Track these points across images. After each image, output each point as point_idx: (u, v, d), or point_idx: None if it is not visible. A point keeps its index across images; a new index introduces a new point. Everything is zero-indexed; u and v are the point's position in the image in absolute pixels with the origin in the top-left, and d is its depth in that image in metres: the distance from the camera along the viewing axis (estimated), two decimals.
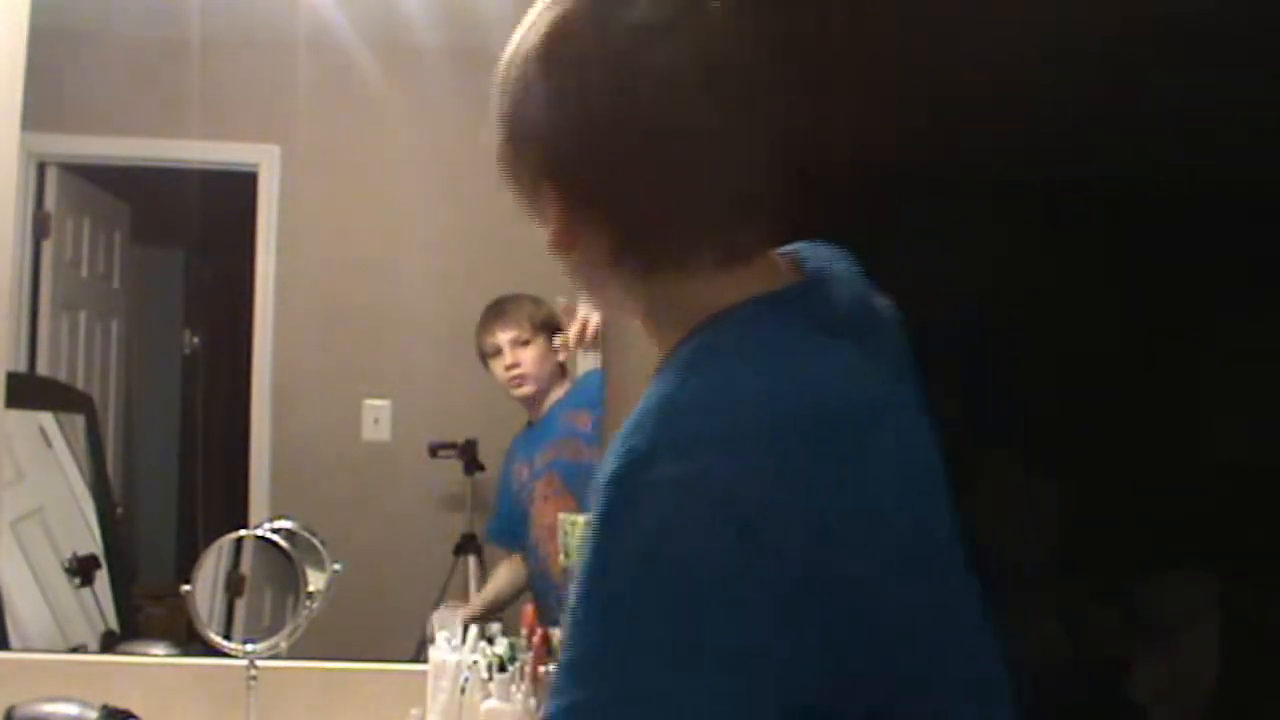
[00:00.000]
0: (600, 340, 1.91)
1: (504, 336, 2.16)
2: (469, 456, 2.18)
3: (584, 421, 2.15)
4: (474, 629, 1.95)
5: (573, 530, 2.02)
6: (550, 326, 2.15)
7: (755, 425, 0.81)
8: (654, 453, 0.79)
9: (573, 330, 1.90)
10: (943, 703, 0.89)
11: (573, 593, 0.80)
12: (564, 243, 0.95)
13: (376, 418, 2.19)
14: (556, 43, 0.91)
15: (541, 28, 0.93)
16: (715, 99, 0.90)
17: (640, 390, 0.94)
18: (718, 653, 0.76)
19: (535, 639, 1.86)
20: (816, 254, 1.00)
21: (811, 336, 0.90)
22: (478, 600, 2.15)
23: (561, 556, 2.02)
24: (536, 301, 2.17)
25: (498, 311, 2.18)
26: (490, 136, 0.99)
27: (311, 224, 2.23)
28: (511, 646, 1.89)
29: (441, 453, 2.17)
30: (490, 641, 1.92)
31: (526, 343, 2.16)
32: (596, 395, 2.12)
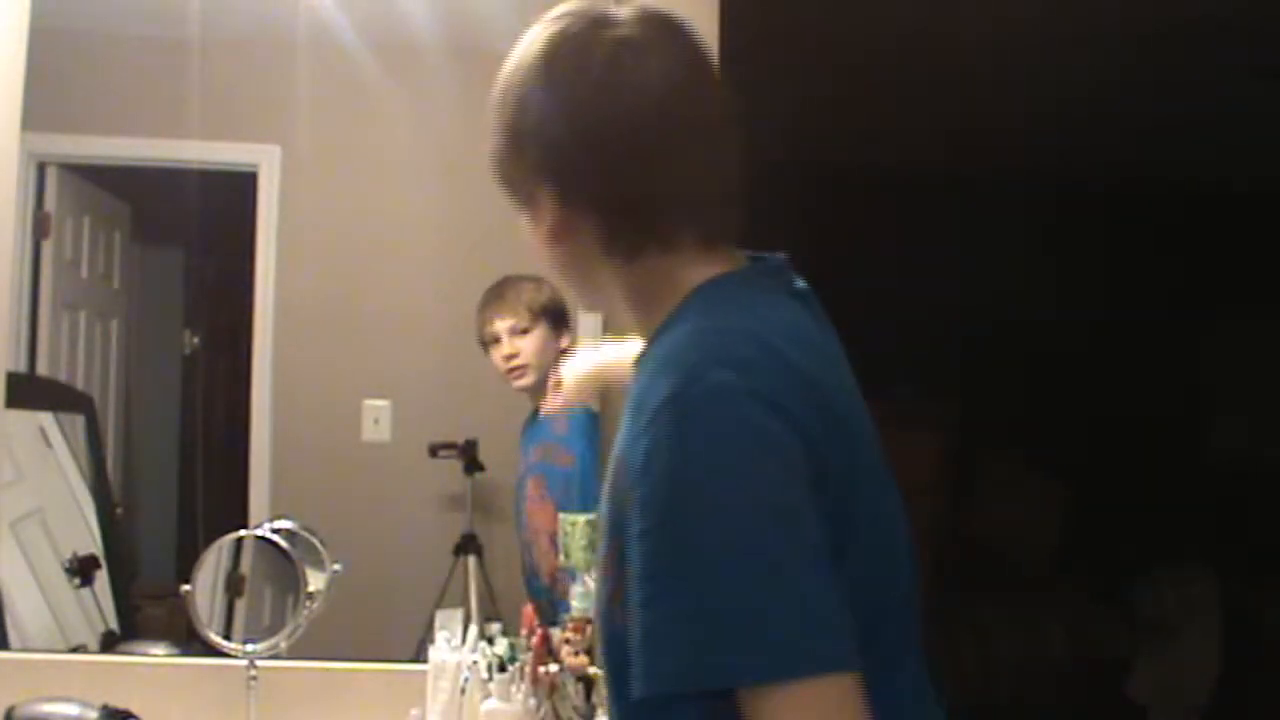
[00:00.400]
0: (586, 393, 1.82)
1: (502, 325, 2.11)
2: (469, 456, 2.17)
3: (562, 426, 2.12)
4: (474, 629, 1.95)
5: (572, 531, 2.02)
6: (552, 312, 2.10)
7: (771, 345, 0.96)
8: (703, 368, 0.93)
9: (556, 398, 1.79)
10: (897, 649, 1.01)
11: (650, 506, 0.91)
12: (558, 235, 1.08)
13: (376, 418, 2.19)
14: (555, 54, 1.05)
15: (541, 41, 1.06)
16: (695, 105, 1.05)
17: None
18: (784, 513, 0.90)
19: (535, 639, 1.86)
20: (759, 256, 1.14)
21: (784, 299, 1.07)
22: None
23: (561, 557, 2.02)
24: (538, 284, 2.11)
25: (495, 296, 2.13)
26: (488, 138, 1.10)
27: (311, 224, 2.23)
28: (511, 646, 1.90)
29: (441, 453, 2.17)
30: (490, 641, 1.92)
31: (525, 331, 2.11)
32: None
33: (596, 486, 2.09)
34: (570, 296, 2.10)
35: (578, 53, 1.04)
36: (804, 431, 0.93)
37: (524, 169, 1.08)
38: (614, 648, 0.98)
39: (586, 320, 2.13)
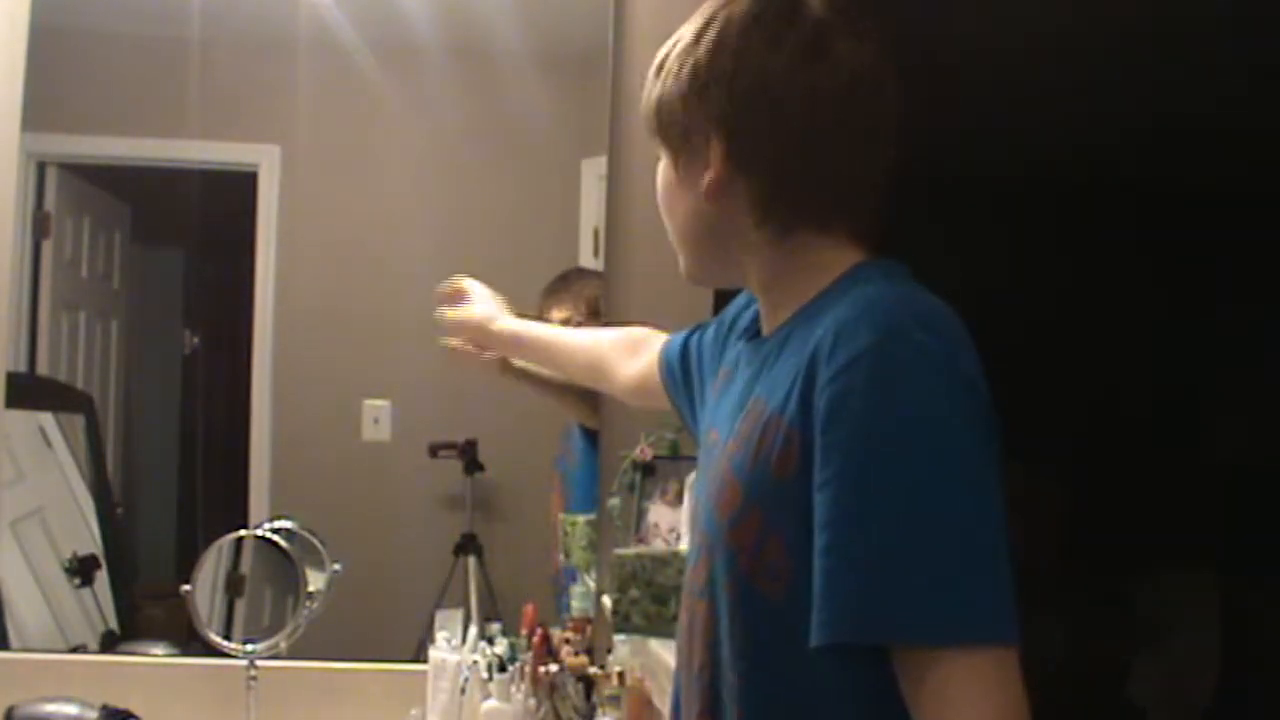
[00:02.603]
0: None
1: (557, 315, 2.12)
2: (469, 456, 2.17)
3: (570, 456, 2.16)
4: (474, 629, 1.95)
5: (572, 531, 2.02)
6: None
7: (960, 324, 0.98)
8: (907, 327, 0.94)
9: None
10: None
11: (849, 451, 0.91)
12: (715, 192, 1.07)
13: (376, 418, 2.19)
14: (762, 16, 1.06)
15: (740, 6, 1.07)
16: (875, 98, 1.06)
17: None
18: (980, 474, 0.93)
19: (535, 639, 1.86)
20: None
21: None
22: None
23: (561, 556, 2.02)
24: (601, 281, 2.14)
25: (560, 286, 2.15)
26: (661, 81, 1.10)
27: (311, 224, 2.23)
28: (511, 646, 1.90)
29: (441, 453, 2.17)
30: (490, 641, 1.92)
31: (579, 324, 2.12)
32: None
33: (593, 489, 2.11)
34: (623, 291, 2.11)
35: (780, 23, 1.05)
36: (988, 415, 0.96)
37: (701, 117, 1.07)
38: (752, 619, 0.99)
39: None
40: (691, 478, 1.68)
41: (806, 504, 0.94)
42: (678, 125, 1.09)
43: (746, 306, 1.24)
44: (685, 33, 1.10)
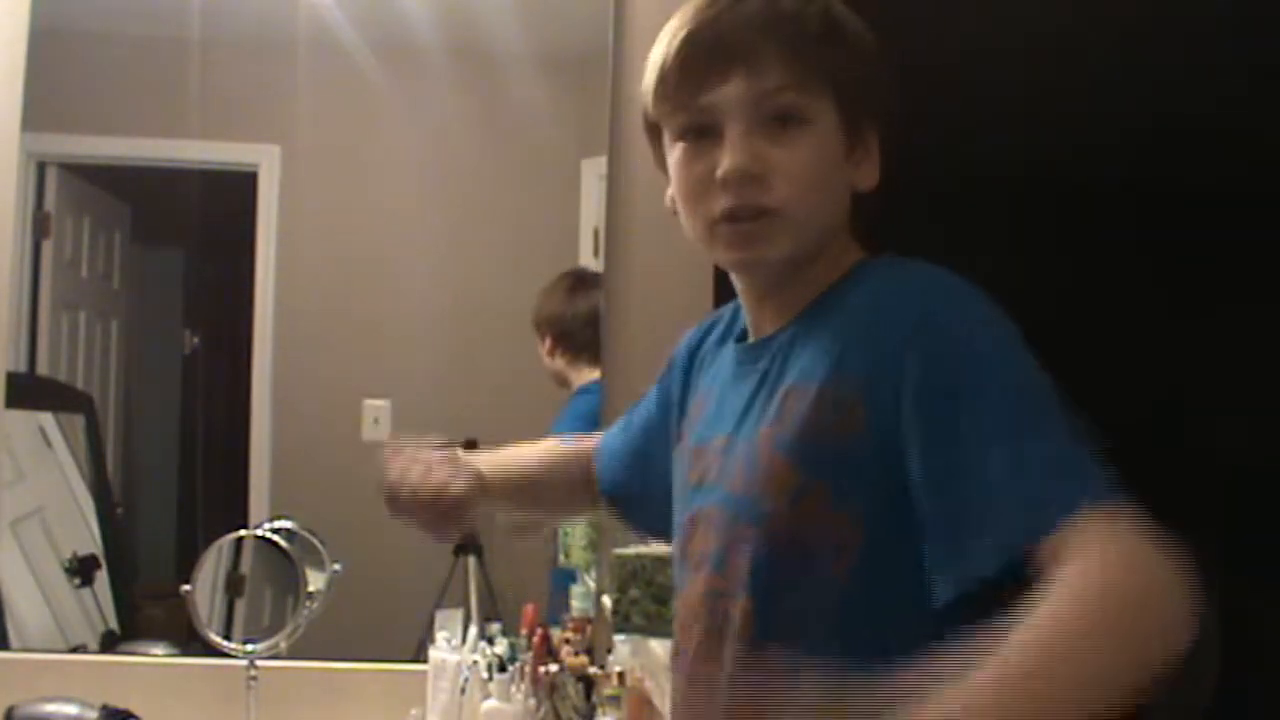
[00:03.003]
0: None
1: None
2: None
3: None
4: (474, 629, 1.95)
5: (572, 531, 2.02)
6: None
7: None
8: (942, 272, 0.97)
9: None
10: None
11: (954, 366, 0.93)
12: (873, 168, 1.06)
13: (376, 418, 2.19)
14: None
15: None
16: None
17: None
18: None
19: (535, 639, 1.86)
20: None
21: None
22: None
23: (562, 556, 2.02)
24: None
25: (574, 285, 2.15)
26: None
27: (311, 224, 2.23)
28: (511, 646, 1.90)
29: None
30: (490, 641, 1.92)
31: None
32: (581, 414, 2.12)
33: None
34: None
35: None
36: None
37: (876, 97, 1.05)
38: (817, 600, 0.96)
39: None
40: None
41: (877, 470, 0.93)
42: (864, 101, 1.05)
43: (707, 331, 1.21)
44: (839, 9, 1.06)
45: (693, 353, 1.23)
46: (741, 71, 1.00)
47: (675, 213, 1.10)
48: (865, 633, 0.93)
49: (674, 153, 1.07)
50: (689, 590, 1.09)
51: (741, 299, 1.13)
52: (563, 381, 2.16)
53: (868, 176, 1.06)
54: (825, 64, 1.02)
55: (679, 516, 1.14)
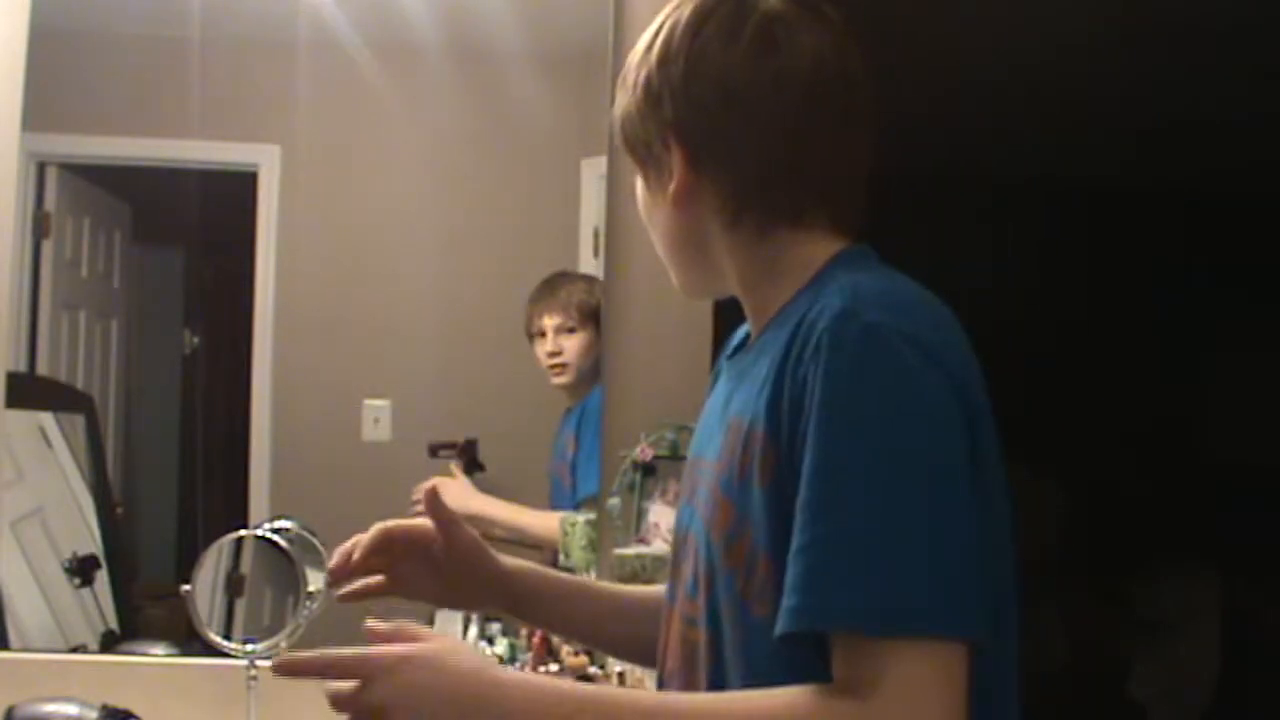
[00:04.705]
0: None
1: (549, 322, 2.13)
2: (469, 456, 2.17)
3: (572, 445, 2.15)
4: (474, 629, 1.95)
5: (573, 531, 2.02)
6: (599, 316, 2.13)
7: (930, 299, 0.97)
8: (859, 308, 0.91)
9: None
10: (1011, 640, 0.98)
11: (808, 442, 0.89)
12: (681, 199, 1.06)
13: (376, 418, 2.19)
14: (708, 18, 1.04)
15: (691, 5, 1.06)
16: (840, 87, 1.04)
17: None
18: (946, 458, 0.90)
19: (535, 639, 1.86)
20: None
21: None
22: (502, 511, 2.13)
23: (562, 556, 2.02)
24: (590, 286, 2.14)
25: (547, 293, 2.15)
26: (624, 94, 1.10)
27: (311, 224, 2.23)
28: (511, 647, 1.90)
29: (441, 453, 2.17)
30: (490, 641, 1.92)
31: (572, 330, 2.14)
32: (591, 415, 2.13)
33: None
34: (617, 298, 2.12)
35: (730, 19, 1.03)
36: (960, 392, 0.92)
37: (657, 127, 1.05)
38: (751, 646, 0.96)
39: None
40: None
41: (783, 515, 0.91)
42: (640, 138, 1.08)
43: (729, 348, 1.20)
44: (640, 42, 1.09)
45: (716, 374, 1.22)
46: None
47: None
48: (783, 676, 0.91)
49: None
50: (669, 613, 1.09)
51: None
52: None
53: (673, 193, 1.06)
54: (624, 130, 1.10)
55: (676, 529, 1.15)
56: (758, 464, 0.94)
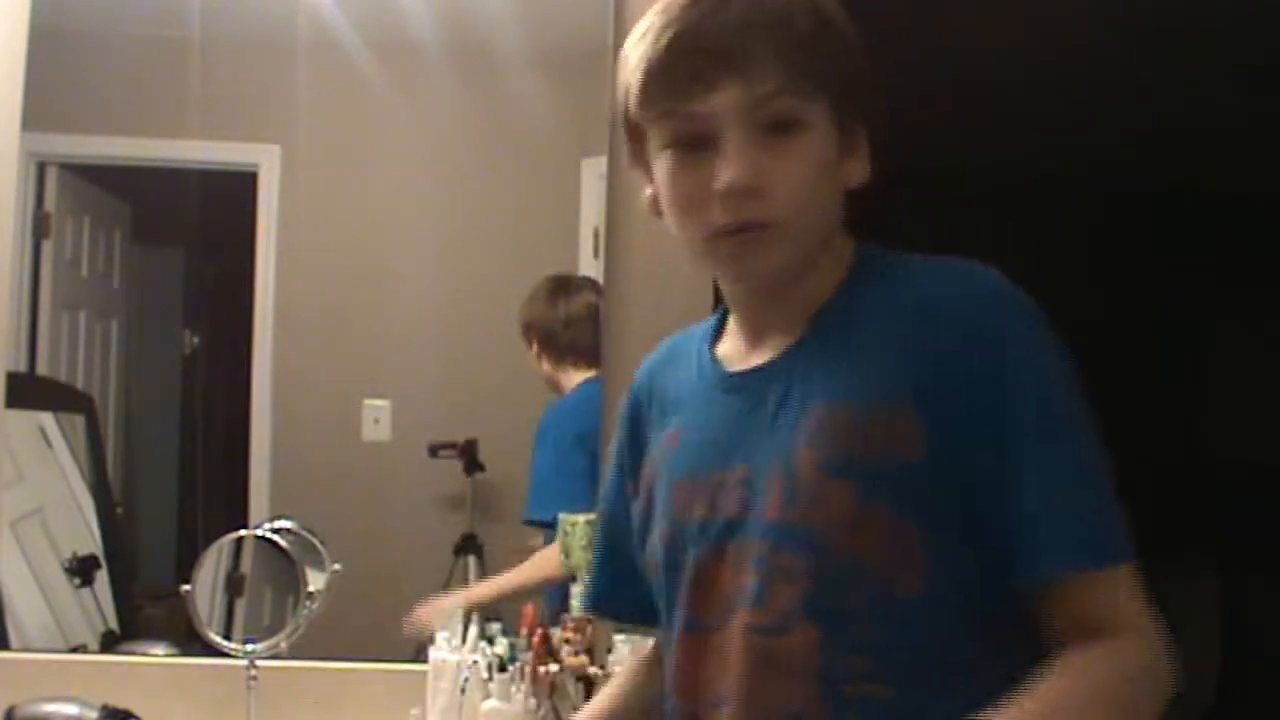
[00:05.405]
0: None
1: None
2: (469, 456, 2.17)
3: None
4: (474, 629, 1.94)
5: (573, 531, 2.02)
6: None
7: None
8: (1008, 286, 1.01)
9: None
10: None
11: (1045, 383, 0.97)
12: (867, 175, 1.04)
13: (376, 418, 2.19)
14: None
15: None
16: None
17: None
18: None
19: (535, 639, 1.86)
20: None
21: None
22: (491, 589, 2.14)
23: (562, 556, 2.02)
24: (596, 289, 2.14)
25: (554, 289, 2.16)
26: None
27: (311, 224, 2.23)
28: (511, 646, 1.89)
29: (441, 453, 2.17)
30: (490, 641, 1.92)
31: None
32: (577, 409, 2.13)
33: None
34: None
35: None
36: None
37: (863, 99, 1.03)
38: (895, 621, 0.95)
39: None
40: None
41: (942, 484, 0.94)
42: (854, 99, 1.01)
43: (649, 374, 1.17)
44: (826, 5, 1.02)
45: (635, 405, 1.18)
46: (734, 77, 0.96)
47: (657, 214, 1.08)
48: (945, 646, 0.94)
49: (662, 160, 1.03)
50: (716, 636, 1.01)
51: (735, 309, 1.10)
52: (554, 386, 2.16)
53: (859, 173, 1.04)
54: (817, 64, 0.98)
55: (666, 557, 1.07)
56: (905, 439, 0.94)
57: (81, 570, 2.17)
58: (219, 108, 2.19)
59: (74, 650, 2.12)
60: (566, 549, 2.03)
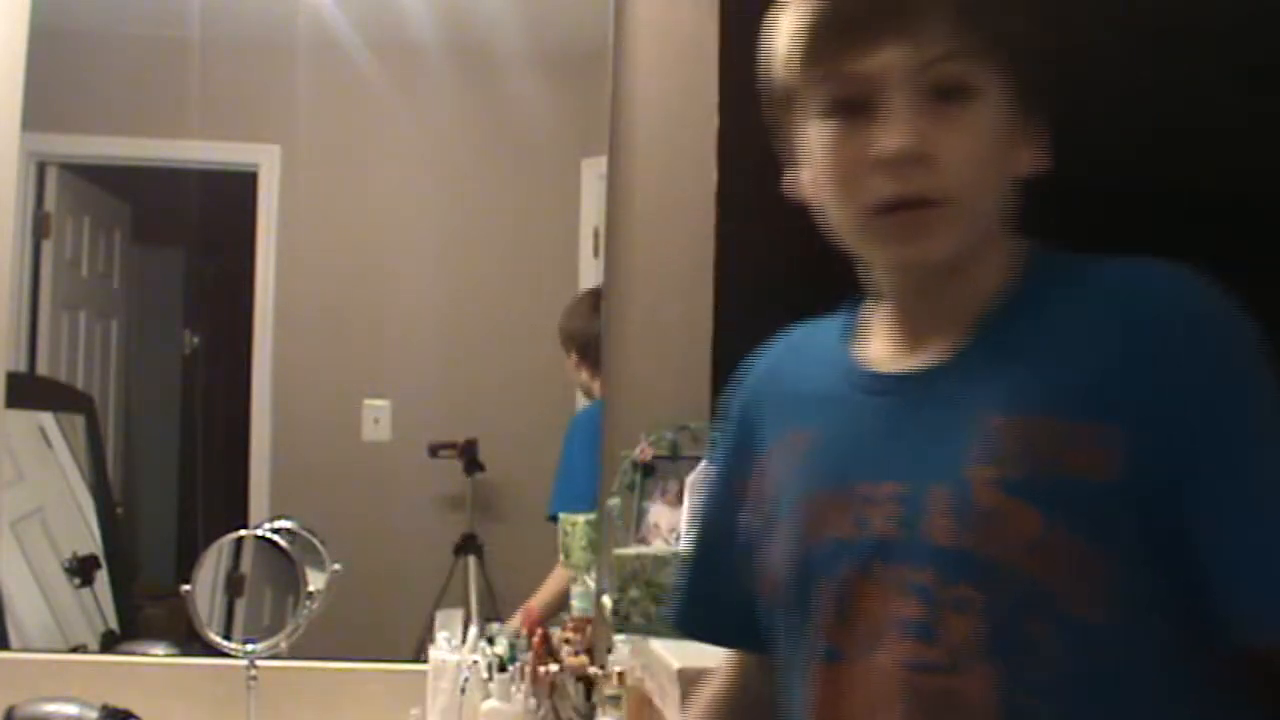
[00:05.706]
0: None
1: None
2: (469, 456, 2.17)
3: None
4: (474, 629, 1.95)
5: (573, 531, 2.02)
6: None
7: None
8: (1223, 301, 0.88)
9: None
10: None
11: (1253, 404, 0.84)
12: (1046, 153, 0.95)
13: (376, 418, 2.19)
14: None
15: None
16: None
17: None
18: None
19: (535, 639, 1.86)
20: None
21: None
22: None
23: (562, 556, 2.02)
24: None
25: (596, 303, 2.14)
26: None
27: (311, 224, 2.23)
28: (511, 646, 1.89)
29: (441, 453, 2.17)
30: (490, 641, 1.92)
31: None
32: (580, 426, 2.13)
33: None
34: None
35: None
36: None
37: (1047, 65, 0.93)
38: (1079, 651, 0.84)
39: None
40: (691, 478, 1.67)
41: (1136, 506, 0.82)
42: (1035, 73, 0.91)
43: (769, 370, 1.05)
44: None
45: (748, 404, 1.06)
46: (901, 36, 0.86)
47: (805, 197, 0.95)
48: (1136, 684, 0.84)
49: (816, 129, 0.91)
50: (859, 668, 0.90)
51: (888, 303, 0.97)
52: (588, 393, 2.16)
53: (1035, 160, 0.93)
54: (995, 26, 0.89)
55: (793, 577, 0.95)
56: (1099, 457, 0.83)
57: (81, 570, 2.17)
58: (219, 108, 2.19)
59: (74, 650, 2.13)
60: (566, 549, 2.03)
